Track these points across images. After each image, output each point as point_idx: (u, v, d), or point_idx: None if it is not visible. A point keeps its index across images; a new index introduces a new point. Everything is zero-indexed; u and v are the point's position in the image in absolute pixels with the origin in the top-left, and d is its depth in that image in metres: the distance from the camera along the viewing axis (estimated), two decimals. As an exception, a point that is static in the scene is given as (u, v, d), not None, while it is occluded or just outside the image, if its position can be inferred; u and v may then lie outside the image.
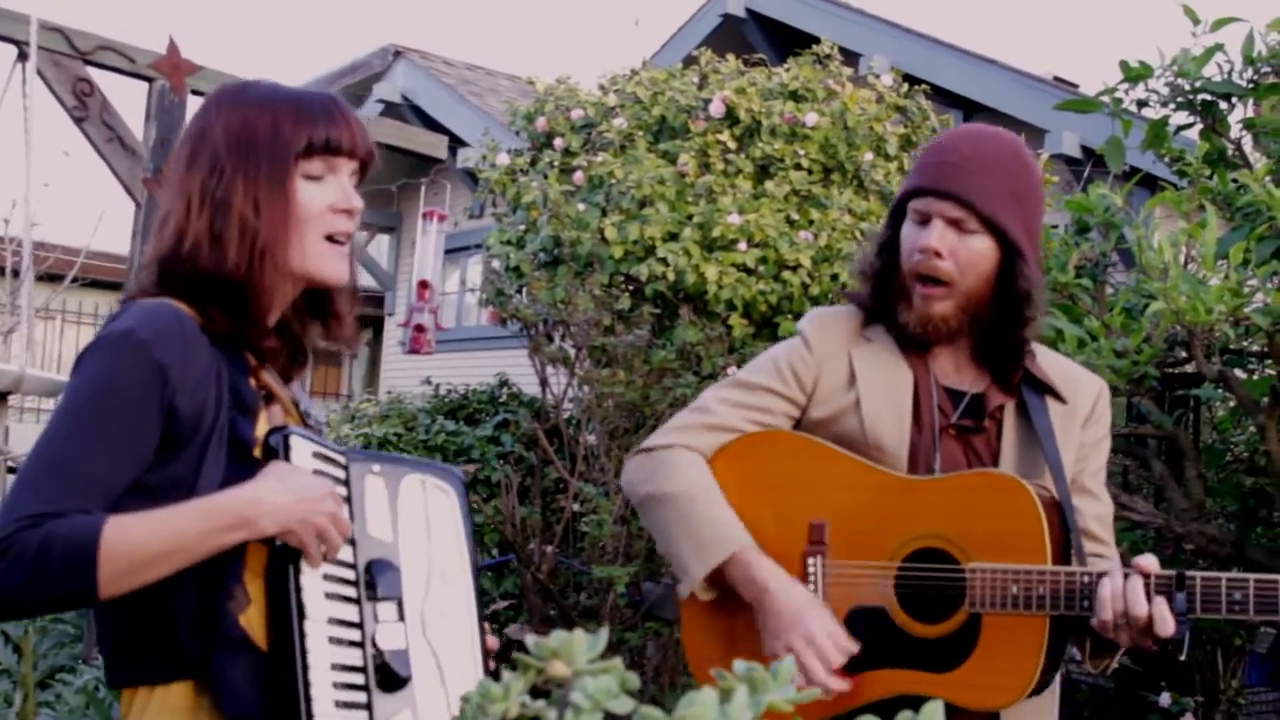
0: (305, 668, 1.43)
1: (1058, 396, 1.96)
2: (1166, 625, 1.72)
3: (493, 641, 1.75)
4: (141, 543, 1.37)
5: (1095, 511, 1.99)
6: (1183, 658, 1.88)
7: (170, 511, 1.41)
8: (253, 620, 1.48)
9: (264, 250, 1.53)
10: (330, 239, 1.60)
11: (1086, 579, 1.76)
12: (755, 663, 0.72)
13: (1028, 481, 1.81)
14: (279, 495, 1.43)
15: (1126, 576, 1.75)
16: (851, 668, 1.83)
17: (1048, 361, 2.02)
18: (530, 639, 0.77)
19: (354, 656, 1.50)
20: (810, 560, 1.90)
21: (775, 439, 1.99)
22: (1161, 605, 1.73)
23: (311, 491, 1.46)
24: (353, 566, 1.54)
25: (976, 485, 1.84)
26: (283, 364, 1.66)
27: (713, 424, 1.99)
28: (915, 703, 0.70)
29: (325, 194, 1.59)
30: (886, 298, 1.96)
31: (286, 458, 1.49)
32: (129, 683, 1.50)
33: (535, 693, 0.76)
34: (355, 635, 1.51)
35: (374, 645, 1.52)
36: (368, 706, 1.49)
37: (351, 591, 1.53)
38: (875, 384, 1.95)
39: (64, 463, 1.41)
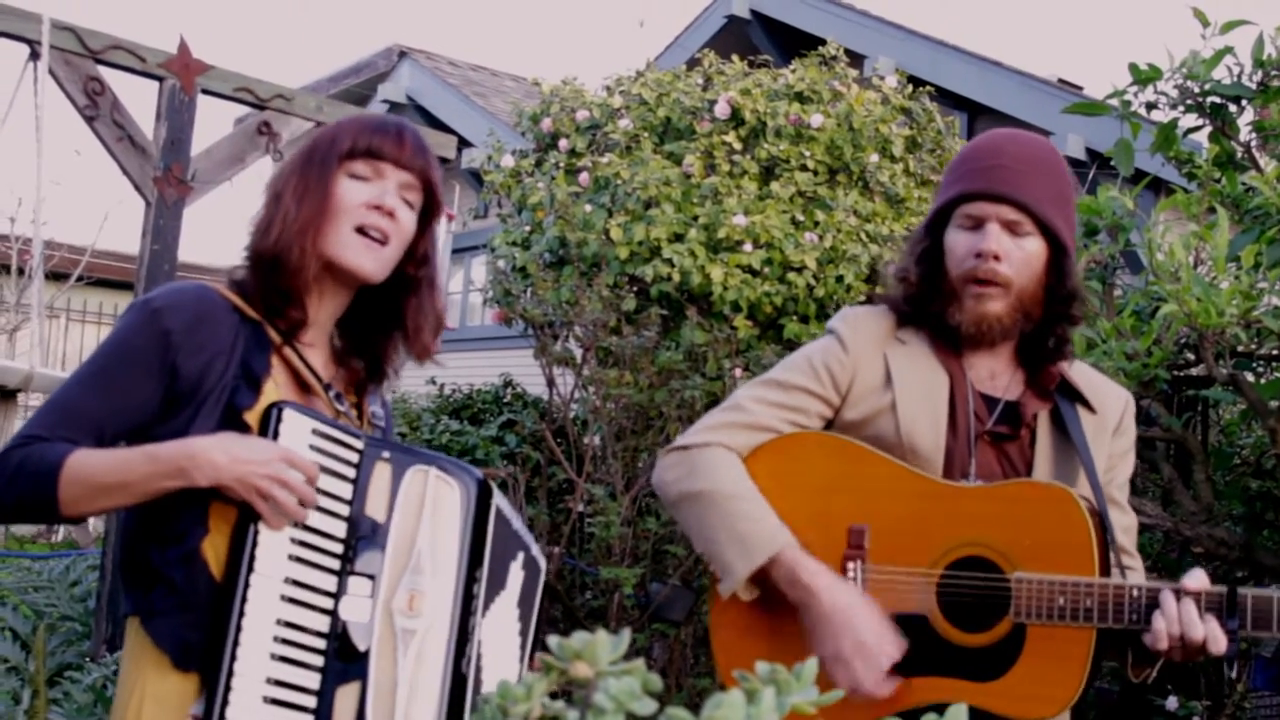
0: (241, 614, 1.56)
1: (1089, 406, 1.95)
2: (1219, 644, 1.72)
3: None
4: (96, 473, 1.58)
5: (1123, 523, 1.98)
6: (1233, 674, 1.89)
7: (126, 452, 1.61)
8: (218, 547, 1.61)
9: (298, 232, 1.72)
10: (361, 231, 1.75)
11: (1136, 593, 1.75)
12: (780, 665, 0.72)
13: (1074, 491, 1.80)
14: (214, 453, 1.57)
15: (1179, 598, 1.74)
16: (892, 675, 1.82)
17: (1076, 370, 2.01)
18: (553, 640, 0.78)
19: (311, 619, 1.61)
20: (850, 565, 1.87)
21: (812, 440, 1.96)
22: (1213, 624, 1.72)
23: (249, 454, 1.57)
24: (342, 541, 1.65)
25: (1023, 495, 1.82)
26: (353, 373, 1.85)
27: (748, 423, 1.96)
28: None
29: (364, 192, 1.76)
30: (931, 302, 1.94)
31: (277, 430, 1.62)
32: (125, 611, 1.70)
33: (555, 694, 0.76)
34: (319, 600, 1.62)
35: (336, 614, 1.63)
36: (321, 670, 1.61)
37: (329, 561, 1.64)
38: (911, 387, 1.92)
39: (65, 400, 1.66)
